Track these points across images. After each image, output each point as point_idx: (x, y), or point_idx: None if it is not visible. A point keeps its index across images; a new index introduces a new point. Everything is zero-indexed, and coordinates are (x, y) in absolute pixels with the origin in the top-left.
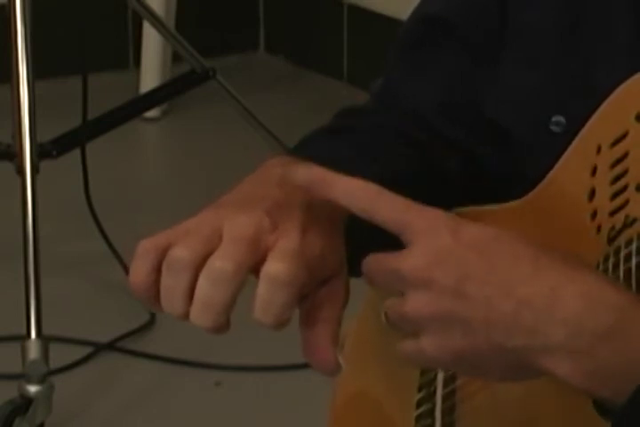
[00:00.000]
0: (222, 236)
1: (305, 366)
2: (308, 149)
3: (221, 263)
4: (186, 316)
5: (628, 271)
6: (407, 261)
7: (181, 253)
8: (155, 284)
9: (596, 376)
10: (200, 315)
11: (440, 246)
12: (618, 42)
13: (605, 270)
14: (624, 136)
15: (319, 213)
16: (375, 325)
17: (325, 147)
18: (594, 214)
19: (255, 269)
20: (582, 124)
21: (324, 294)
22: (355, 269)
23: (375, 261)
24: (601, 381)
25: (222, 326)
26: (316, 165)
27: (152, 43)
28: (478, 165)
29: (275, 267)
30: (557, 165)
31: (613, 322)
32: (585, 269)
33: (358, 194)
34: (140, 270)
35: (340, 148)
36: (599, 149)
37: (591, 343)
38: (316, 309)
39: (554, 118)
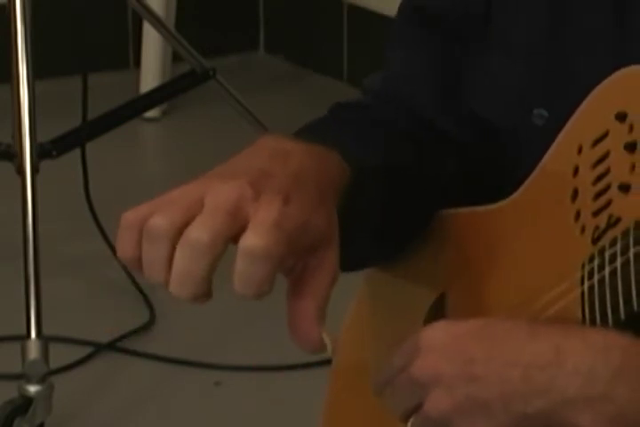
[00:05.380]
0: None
1: (305, 366)
2: (307, 134)
3: (197, 234)
4: (167, 285)
5: (613, 272)
6: (414, 364)
7: (159, 222)
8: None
9: (619, 421)
10: (178, 286)
11: (438, 344)
12: (599, 36)
13: (591, 271)
14: (605, 136)
15: (307, 183)
16: (371, 310)
17: (325, 132)
18: (577, 215)
19: (236, 238)
20: (565, 118)
21: (312, 265)
22: (344, 263)
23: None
24: (625, 425)
25: (202, 296)
26: (316, 144)
27: (152, 43)
28: (472, 165)
29: (251, 241)
30: (539, 166)
31: (622, 361)
32: (577, 324)
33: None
34: (125, 244)
35: (340, 136)
36: (580, 149)
37: (608, 386)
38: (302, 280)
39: (536, 111)
